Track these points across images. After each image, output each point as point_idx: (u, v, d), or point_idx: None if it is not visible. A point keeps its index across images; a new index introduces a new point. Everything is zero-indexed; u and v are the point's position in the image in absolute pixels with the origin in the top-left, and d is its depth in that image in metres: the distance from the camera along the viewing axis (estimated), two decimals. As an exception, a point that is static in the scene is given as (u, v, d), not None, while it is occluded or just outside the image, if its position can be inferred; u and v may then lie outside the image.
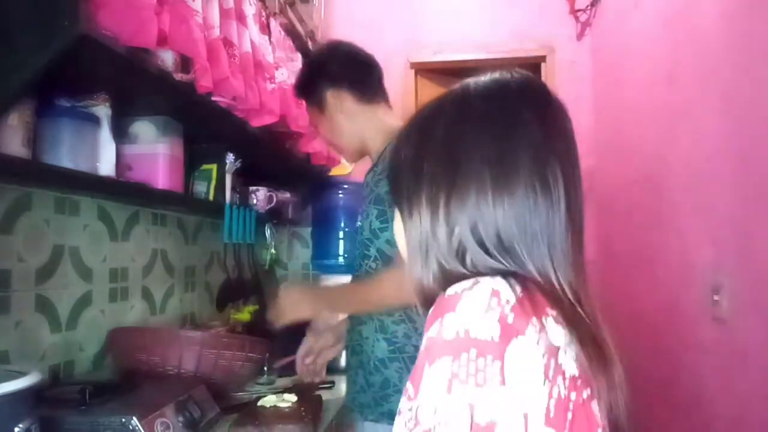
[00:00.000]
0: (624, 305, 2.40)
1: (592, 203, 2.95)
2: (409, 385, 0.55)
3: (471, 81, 0.67)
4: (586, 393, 0.55)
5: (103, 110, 1.26)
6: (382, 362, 1.31)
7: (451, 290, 0.56)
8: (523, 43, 3.03)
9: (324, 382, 1.60)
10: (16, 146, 1.05)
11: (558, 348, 0.54)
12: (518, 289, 0.56)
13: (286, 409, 1.24)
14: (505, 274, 0.58)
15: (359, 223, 1.48)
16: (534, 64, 3.06)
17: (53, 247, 1.32)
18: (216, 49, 1.30)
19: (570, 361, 0.55)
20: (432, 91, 3.08)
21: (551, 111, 0.65)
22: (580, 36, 3.01)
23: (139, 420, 0.98)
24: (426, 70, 3.08)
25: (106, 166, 1.27)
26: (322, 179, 2.56)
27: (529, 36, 3.03)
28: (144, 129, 1.47)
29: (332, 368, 1.72)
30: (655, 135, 2.08)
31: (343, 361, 1.78)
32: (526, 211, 0.60)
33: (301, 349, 1.55)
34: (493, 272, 0.59)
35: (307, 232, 2.81)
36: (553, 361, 0.53)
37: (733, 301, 1.52)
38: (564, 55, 3.01)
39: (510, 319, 0.53)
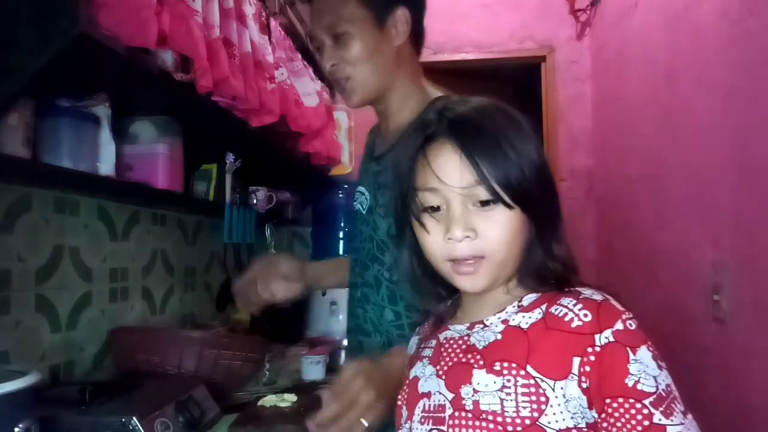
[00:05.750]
0: (624, 305, 2.39)
1: (592, 203, 2.95)
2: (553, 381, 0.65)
3: None
4: None
5: (103, 110, 1.26)
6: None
7: (601, 297, 0.69)
8: (523, 43, 3.03)
9: (324, 382, 1.60)
10: (16, 146, 1.05)
11: None
12: None
13: (286, 409, 1.24)
14: None
15: (364, 211, 1.20)
16: (534, 64, 3.06)
17: (53, 247, 1.32)
18: (216, 49, 1.30)
19: None
20: (432, 91, 3.07)
21: None
22: (580, 36, 3.01)
23: (139, 420, 0.98)
24: (426, 70, 3.05)
25: (106, 166, 1.27)
26: (322, 179, 2.56)
27: (529, 36, 3.03)
28: (144, 129, 1.47)
29: (332, 368, 1.72)
30: (655, 135, 2.08)
31: (343, 361, 1.78)
32: None
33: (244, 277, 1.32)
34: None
35: (307, 232, 2.81)
36: None
37: (733, 301, 1.52)
38: (564, 55, 3.01)
39: None
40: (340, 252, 2.51)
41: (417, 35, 1.17)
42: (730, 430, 1.51)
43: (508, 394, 0.66)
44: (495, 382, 0.68)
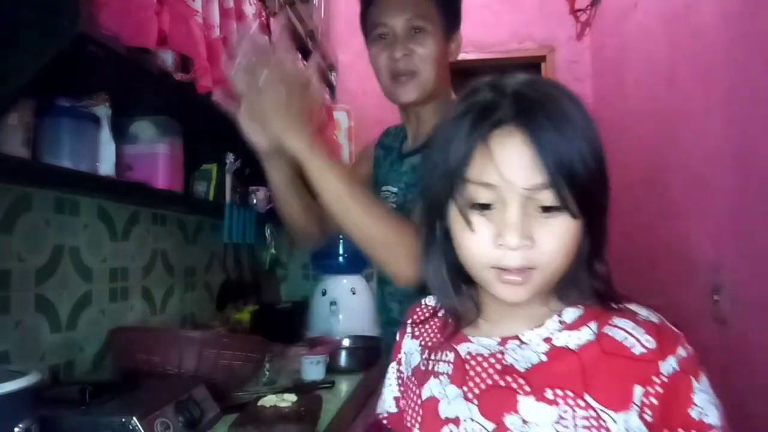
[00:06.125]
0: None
1: (592, 203, 2.95)
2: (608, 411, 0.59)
3: None
4: None
5: (103, 110, 1.26)
6: None
7: (657, 318, 0.64)
8: (523, 43, 3.03)
9: (324, 382, 1.60)
10: (16, 146, 1.05)
11: None
12: None
13: (286, 409, 1.24)
14: None
15: (395, 201, 1.25)
16: (534, 64, 3.07)
17: (53, 247, 1.32)
18: (216, 49, 1.30)
19: None
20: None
21: None
22: (580, 36, 3.01)
23: (139, 420, 0.98)
24: (426, 70, 3.07)
25: (106, 166, 1.27)
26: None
27: (529, 36, 3.03)
28: (144, 129, 1.47)
29: (332, 368, 1.72)
30: (655, 135, 2.08)
31: (343, 361, 1.79)
32: None
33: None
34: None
35: (307, 232, 2.80)
36: None
37: (733, 301, 1.52)
38: (564, 55, 3.01)
39: None
40: (340, 252, 2.51)
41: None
42: (730, 430, 1.52)
43: (566, 426, 0.59)
44: (549, 413, 0.60)
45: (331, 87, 2.75)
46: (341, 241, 2.52)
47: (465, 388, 0.66)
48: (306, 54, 2.21)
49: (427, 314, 0.79)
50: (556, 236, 0.60)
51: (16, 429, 0.80)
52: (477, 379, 0.66)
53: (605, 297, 0.65)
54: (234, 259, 2.21)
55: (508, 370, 0.64)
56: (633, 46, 2.35)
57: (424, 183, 0.69)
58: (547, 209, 0.59)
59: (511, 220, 0.59)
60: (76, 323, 1.40)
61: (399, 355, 0.81)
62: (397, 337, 0.83)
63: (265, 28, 1.71)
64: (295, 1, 2.12)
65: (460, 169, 0.61)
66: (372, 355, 1.83)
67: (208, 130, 1.63)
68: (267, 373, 1.58)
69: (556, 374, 0.62)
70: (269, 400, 1.27)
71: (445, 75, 1.22)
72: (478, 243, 0.61)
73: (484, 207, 0.61)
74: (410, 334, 0.79)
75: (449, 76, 1.24)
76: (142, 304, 1.71)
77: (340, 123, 2.62)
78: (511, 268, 0.60)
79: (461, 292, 0.70)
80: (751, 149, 1.44)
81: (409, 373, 0.76)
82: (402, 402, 0.77)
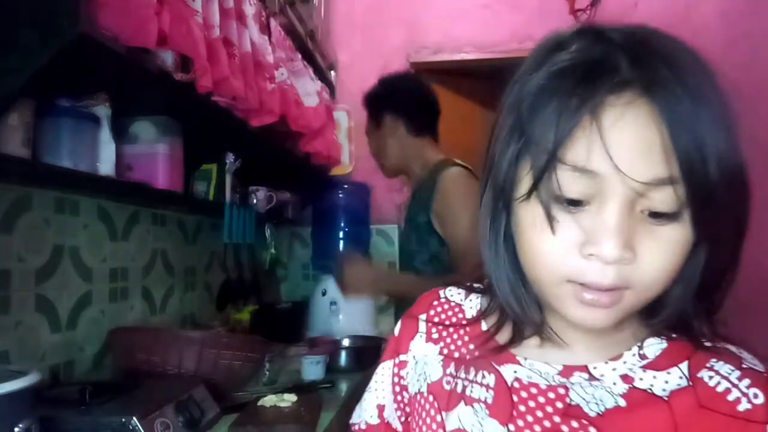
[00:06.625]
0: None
1: (592, 203, 2.94)
2: None
3: None
4: None
5: (103, 110, 1.26)
6: None
7: (760, 365, 0.51)
8: (523, 43, 3.03)
9: (324, 382, 1.60)
10: (16, 146, 1.05)
11: None
12: None
13: (286, 409, 1.24)
14: None
15: (401, 240, 1.82)
16: (534, 64, 3.07)
17: (53, 247, 1.32)
18: (216, 48, 1.30)
19: None
20: (432, 91, 3.08)
21: None
22: (580, 36, 3.01)
23: (139, 420, 0.98)
24: (426, 70, 3.07)
25: (106, 166, 1.27)
26: (322, 179, 2.56)
27: (529, 36, 3.02)
28: (144, 129, 1.47)
29: (332, 368, 1.72)
30: (655, 135, 2.08)
31: (343, 361, 1.79)
32: None
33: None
34: None
35: (307, 232, 2.81)
36: None
37: (733, 301, 1.52)
38: (564, 55, 3.01)
39: None
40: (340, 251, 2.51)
41: (414, 123, 1.69)
42: None
43: None
44: None
45: (331, 87, 2.75)
46: (341, 241, 2.52)
47: (511, 427, 0.51)
48: (306, 54, 2.21)
49: (449, 312, 0.62)
50: (666, 251, 0.45)
51: (16, 429, 0.80)
52: (529, 418, 0.50)
53: (696, 329, 0.51)
54: (234, 259, 2.21)
55: (573, 411, 0.49)
56: (633, 46, 2.35)
57: (490, 163, 0.52)
58: (658, 215, 0.44)
59: (611, 222, 0.43)
60: (76, 323, 1.40)
61: (402, 357, 0.63)
62: (396, 331, 0.65)
63: (265, 28, 1.71)
64: (295, 1, 2.12)
65: (554, 148, 0.44)
66: (372, 355, 1.84)
67: (208, 130, 1.64)
68: (267, 373, 1.58)
69: (639, 427, 0.48)
70: (269, 400, 1.27)
71: (398, 148, 1.71)
72: (558, 248, 0.45)
73: (573, 203, 0.45)
74: (425, 335, 0.61)
75: (409, 144, 1.70)
76: (142, 304, 1.71)
77: (340, 123, 2.62)
78: (599, 286, 0.45)
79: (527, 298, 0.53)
80: (750, 150, 1.44)
81: (422, 389, 0.59)
82: (405, 419, 0.63)
